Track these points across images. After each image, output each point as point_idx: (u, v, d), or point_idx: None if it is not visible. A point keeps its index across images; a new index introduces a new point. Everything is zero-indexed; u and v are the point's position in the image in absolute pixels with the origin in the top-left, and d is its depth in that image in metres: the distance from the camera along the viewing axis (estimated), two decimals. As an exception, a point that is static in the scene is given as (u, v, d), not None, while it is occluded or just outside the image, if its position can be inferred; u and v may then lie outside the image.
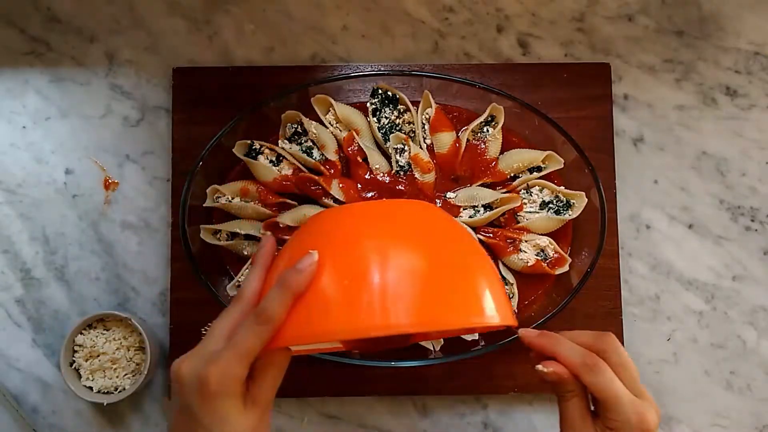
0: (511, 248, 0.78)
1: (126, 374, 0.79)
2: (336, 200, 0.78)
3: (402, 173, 0.79)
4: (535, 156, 0.79)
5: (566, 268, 0.77)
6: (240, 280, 0.77)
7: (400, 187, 0.78)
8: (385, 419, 0.82)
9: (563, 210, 0.78)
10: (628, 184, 0.84)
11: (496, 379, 0.80)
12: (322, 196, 0.78)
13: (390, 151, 0.79)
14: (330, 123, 0.79)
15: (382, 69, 0.84)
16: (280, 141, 0.80)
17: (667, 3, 0.87)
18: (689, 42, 0.86)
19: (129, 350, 0.79)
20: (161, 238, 0.83)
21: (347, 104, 0.80)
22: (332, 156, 0.79)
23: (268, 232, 0.53)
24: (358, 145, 0.78)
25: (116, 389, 0.78)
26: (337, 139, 0.80)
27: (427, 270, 0.51)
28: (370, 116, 0.80)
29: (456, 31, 0.86)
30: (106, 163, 0.84)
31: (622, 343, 0.80)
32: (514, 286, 0.78)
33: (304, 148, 0.79)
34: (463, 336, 0.76)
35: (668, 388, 0.82)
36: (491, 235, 0.78)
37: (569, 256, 0.78)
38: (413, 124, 0.80)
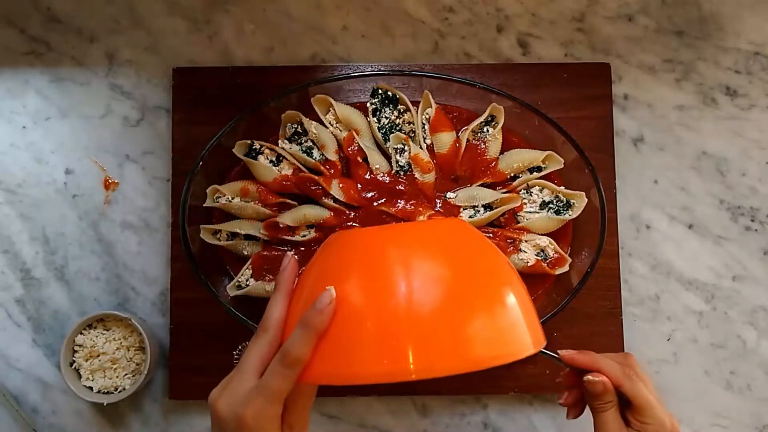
0: (511, 248, 0.77)
1: (126, 374, 0.79)
2: (336, 200, 0.78)
3: (402, 173, 0.79)
4: (535, 156, 0.79)
5: (566, 268, 0.77)
6: (240, 280, 0.77)
7: (400, 187, 0.78)
8: (385, 419, 0.82)
9: (563, 210, 0.78)
10: (628, 184, 0.84)
11: (496, 379, 0.80)
12: (322, 196, 0.78)
13: (390, 151, 0.79)
14: (330, 123, 0.79)
15: (382, 69, 0.84)
16: (280, 141, 0.80)
17: (667, 3, 0.87)
18: (689, 42, 0.86)
19: (129, 350, 0.79)
20: (161, 238, 0.83)
21: (347, 104, 0.80)
22: (332, 156, 0.79)
23: (290, 253, 0.53)
24: (358, 145, 0.78)
25: (116, 389, 0.78)
26: (337, 139, 0.80)
27: (459, 306, 0.49)
28: (370, 116, 0.80)
29: (456, 31, 0.86)
30: (106, 163, 0.84)
31: (622, 343, 0.80)
32: (514, 286, 0.78)
33: (304, 148, 0.79)
34: None
35: (668, 388, 0.82)
36: (491, 235, 0.78)
37: (569, 256, 0.78)
38: (413, 124, 0.80)
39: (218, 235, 0.79)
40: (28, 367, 0.82)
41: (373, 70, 0.82)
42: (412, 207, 0.78)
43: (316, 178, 0.78)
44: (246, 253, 0.78)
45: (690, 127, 0.85)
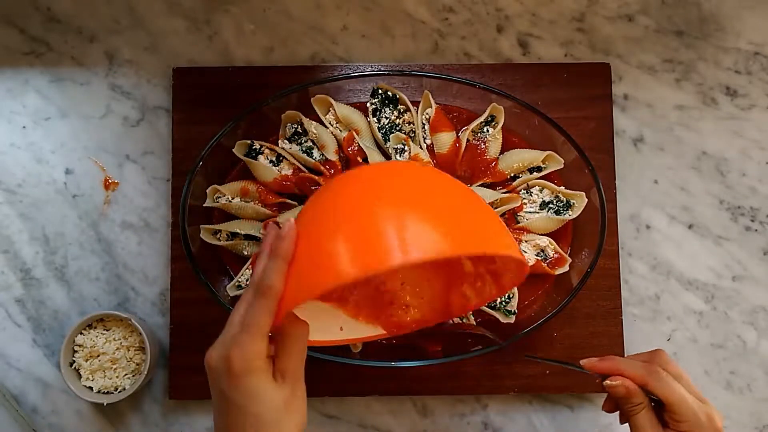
0: (511, 248, 0.77)
1: (126, 374, 0.79)
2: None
3: (402, 173, 0.79)
4: (535, 156, 0.79)
5: (566, 268, 0.77)
6: (240, 280, 0.77)
7: (400, 186, 0.78)
8: (384, 419, 0.82)
9: (563, 210, 0.78)
10: (628, 184, 0.84)
11: (496, 379, 0.80)
12: (322, 196, 0.78)
13: (390, 151, 0.79)
14: (330, 123, 0.79)
15: (382, 69, 0.84)
16: (280, 141, 0.80)
17: (667, 3, 0.87)
18: (689, 42, 0.86)
19: (129, 350, 0.79)
20: (161, 238, 0.83)
21: (347, 104, 0.80)
22: (332, 156, 0.79)
23: (292, 219, 0.53)
24: (358, 145, 0.78)
25: (116, 389, 0.78)
26: (337, 139, 0.80)
27: (441, 205, 0.52)
28: (370, 116, 0.80)
29: (456, 31, 0.86)
30: (106, 163, 0.84)
31: (622, 343, 0.80)
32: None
33: (304, 148, 0.79)
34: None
35: (668, 388, 0.82)
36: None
37: (569, 256, 0.78)
38: (413, 124, 0.80)
39: (218, 235, 0.79)
40: (27, 367, 0.82)
41: (373, 70, 0.82)
42: (412, 207, 0.78)
43: (316, 178, 0.78)
44: (246, 253, 0.78)
45: (690, 127, 0.85)
